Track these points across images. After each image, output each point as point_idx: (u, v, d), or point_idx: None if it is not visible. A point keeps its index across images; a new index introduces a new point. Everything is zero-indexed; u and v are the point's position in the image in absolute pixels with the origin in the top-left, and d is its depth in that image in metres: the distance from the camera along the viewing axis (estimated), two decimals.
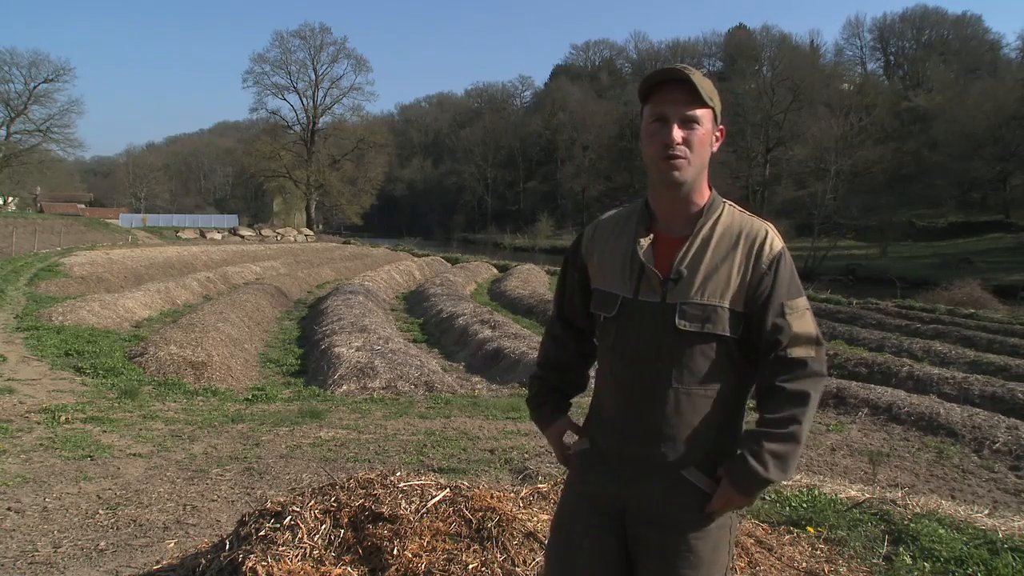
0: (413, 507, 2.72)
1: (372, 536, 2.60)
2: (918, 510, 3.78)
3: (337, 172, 64.51)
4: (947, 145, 54.93)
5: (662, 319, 1.67)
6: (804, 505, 3.75)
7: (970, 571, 3.14)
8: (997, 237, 48.66)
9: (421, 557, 2.53)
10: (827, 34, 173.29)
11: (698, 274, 1.66)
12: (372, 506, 2.70)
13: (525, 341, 11.66)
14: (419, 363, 9.77)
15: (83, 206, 63.34)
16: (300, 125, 66.40)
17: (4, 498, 4.26)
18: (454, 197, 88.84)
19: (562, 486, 1.98)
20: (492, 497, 2.88)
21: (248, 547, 2.58)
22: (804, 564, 3.18)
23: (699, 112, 1.67)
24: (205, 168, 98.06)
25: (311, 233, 58.22)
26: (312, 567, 2.48)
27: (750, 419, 1.71)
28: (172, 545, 3.65)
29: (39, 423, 5.91)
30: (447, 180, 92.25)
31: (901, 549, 3.33)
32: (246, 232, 53.62)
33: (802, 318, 1.67)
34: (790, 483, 4.22)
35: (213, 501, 4.38)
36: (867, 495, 4.04)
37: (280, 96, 65.64)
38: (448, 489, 2.85)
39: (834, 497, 3.92)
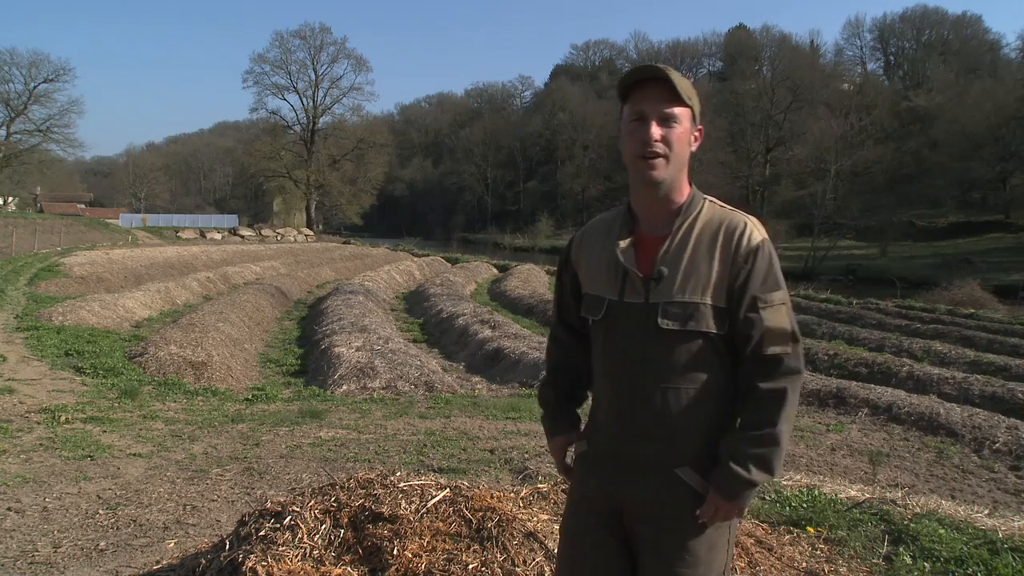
0: (413, 507, 2.72)
1: (372, 536, 2.60)
2: (918, 510, 3.78)
3: (337, 172, 64.52)
4: (947, 145, 54.90)
5: (646, 319, 1.67)
6: (804, 505, 3.75)
7: (970, 571, 3.14)
8: (997, 237, 48.63)
9: (421, 557, 2.53)
10: (827, 34, 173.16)
11: (679, 272, 1.66)
12: (372, 506, 2.70)
13: (525, 341, 11.66)
14: (419, 363, 9.77)
15: (83, 206, 63.34)
16: (300, 125, 66.43)
17: (4, 498, 4.26)
18: (454, 197, 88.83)
19: (565, 488, 1.99)
20: (492, 497, 2.88)
21: (248, 547, 2.58)
22: (804, 564, 3.18)
23: (677, 111, 1.67)
24: (205, 168, 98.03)
25: (311, 233, 58.22)
26: (312, 567, 2.48)
27: None
28: (172, 545, 3.64)
29: (39, 423, 5.91)
30: (447, 180, 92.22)
31: (901, 549, 3.33)
32: (246, 232, 53.64)
33: (777, 312, 1.66)
34: (790, 483, 4.22)
35: (213, 501, 4.38)
36: (867, 495, 4.04)
37: (280, 96, 65.76)
38: (448, 489, 2.85)
39: (834, 497, 3.91)
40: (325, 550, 2.57)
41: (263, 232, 54.79)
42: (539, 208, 76.22)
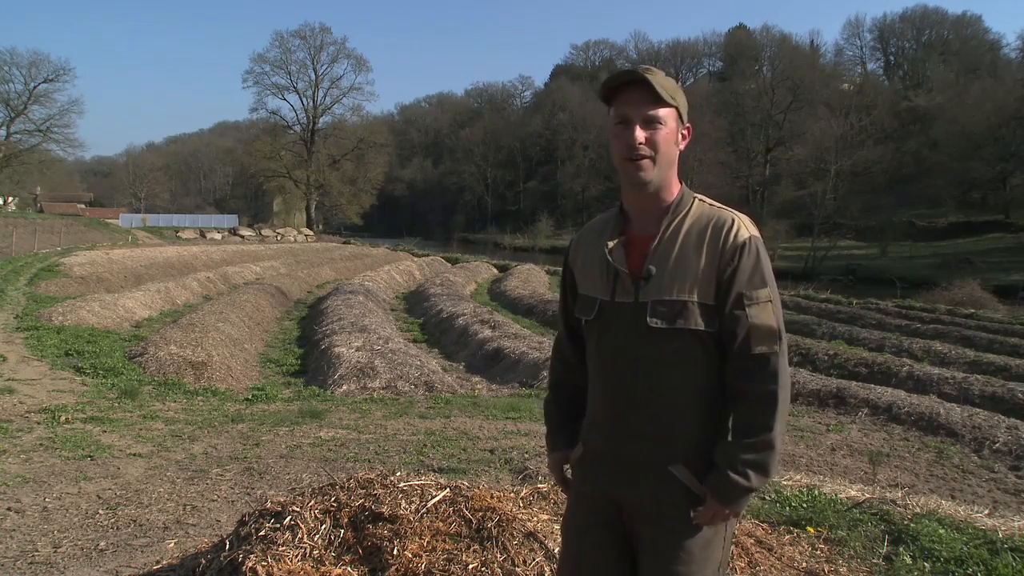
0: (413, 507, 2.72)
1: (372, 536, 2.60)
2: (918, 510, 3.78)
3: (337, 172, 64.51)
4: (947, 145, 54.89)
5: (636, 319, 1.68)
6: (804, 505, 3.75)
7: (970, 571, 3.14)
8: (997, 237, 48.62)
9: (421, 557, 2.53)
10: (827, 34, 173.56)
11: (667, 270, 1.67)
12: (372, 506, 2.70)
13: (525, 341, 11.66)
14: (419, 363, 9.76)
15: (83, 206, 63.31)
16: (300, 125, 66.42)
17: (4, 498, 4.26)
18: (454, 197, 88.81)
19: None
20: (492, 497, 2.88)
21: (248, 547, 2.58)
22: (804, 564, 3.18)
23: (662, 112, 1.68)
24: (205, 168, 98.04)
25: (311, 233, 58.21)
26: (312, 567, 2.48)
27: None
28: (172, 545, 3.64)
29: (39, 423, 5.91)
30: (447, 180, 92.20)
31: (901, 549, 3.33)
32: (246, 232, 53.63)
33: (763, 310, 1.65)
34: (790, 483, 4.22)
35: (213, 501, 4.38)
36: (867, 495, 4.04)
37: (280, 96, 65.73)
38: (448, 489, 2.85)
39: (834, 497, 3.92)
40: (325, 550, 2.57)
41: (263, 232, 54.79)
42: (539, 208, 76.22)
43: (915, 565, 3.19)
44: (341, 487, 2.84)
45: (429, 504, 2.74)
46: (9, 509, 4.09)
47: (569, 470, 1.91)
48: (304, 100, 65.69)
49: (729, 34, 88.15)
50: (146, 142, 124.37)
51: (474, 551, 2.59)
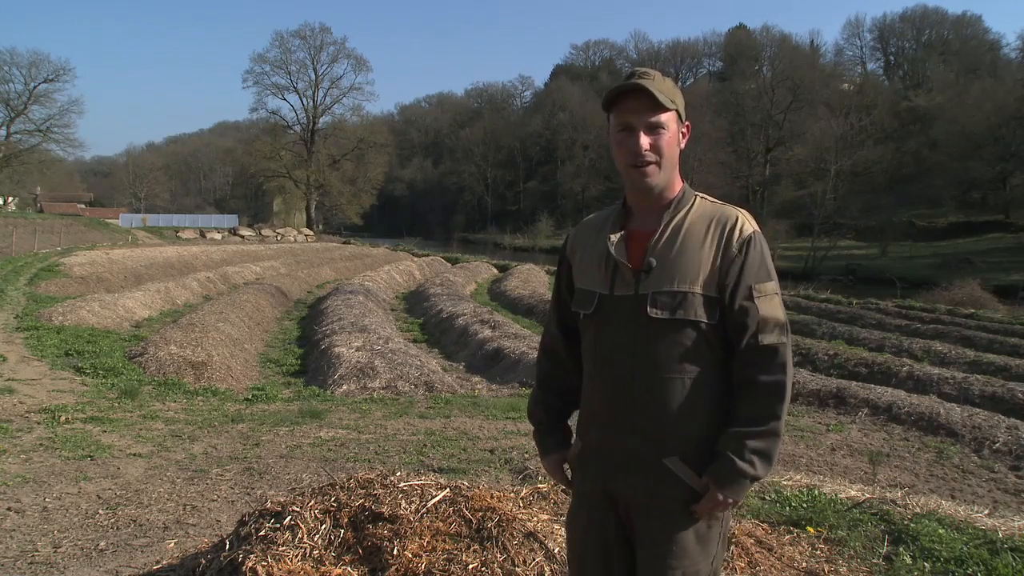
0: (413, 507, 2.72)
1: (372, 536, 2.60)
2: (918, 510, 3.78)
3: (337, 172, 64.51)
4: (947, 145, 54.90)
5: (635, 310, 1.68)
6: (804, 505, 3.75)
7: (970, 571, 3.14)
8: (997, 237, 48.62)
9: (421, 557, 2.53)
10: (827, 34, 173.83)
11: (668, 262, 1.68)
12: (372, 506, 2.70)
13: (525, 341, 11.66)
14: (419, 363, 9.76)
15: (83, 206, 63.31)
16: (300, 125, 66.42)
17: (4, 498, 4.26)
18: (454, 197, 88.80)
19: (566, 489, 2.00)
20: (492, 497, 2.88)
21: (248, 547, 2.58)
22: (804, 564, 3.18)
23: (663, 117, 1.70)
24: (205, 168, 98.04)
25: (311, 233, 58.21)
26: (312, 567, 2.48)
27: None
28: (172, 545, 3.64)
29: (39, 423, 5.91)
30: (447, 180, 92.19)
31: (901, 549, 3.33)
32: (246, 232, 53.63)
33: (771, 302, 1.68)
34: (790, 483, 4.22)
35: (213, 501, 4.38)
36: (867, 495, 4.04)
37: (280, 96, 65.75)
38: (448, 489, 2.85)
39: (834, 497, 3.92)
40: (325, 550, 2.57)
41: (263, 232, 54.78)
42: (539, 208, 76.18)
43: (915, 565, 3.19)
44: (341, 487, 2.84)
45: (429, 504, 2.74)
46: (9, 509, 4.09)
47: (569, 469, 1.91)
48: (304, 100, 65.82)
49: (729, 34, 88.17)
50: (146, 142, 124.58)
51: (474, 551, 2.59)
